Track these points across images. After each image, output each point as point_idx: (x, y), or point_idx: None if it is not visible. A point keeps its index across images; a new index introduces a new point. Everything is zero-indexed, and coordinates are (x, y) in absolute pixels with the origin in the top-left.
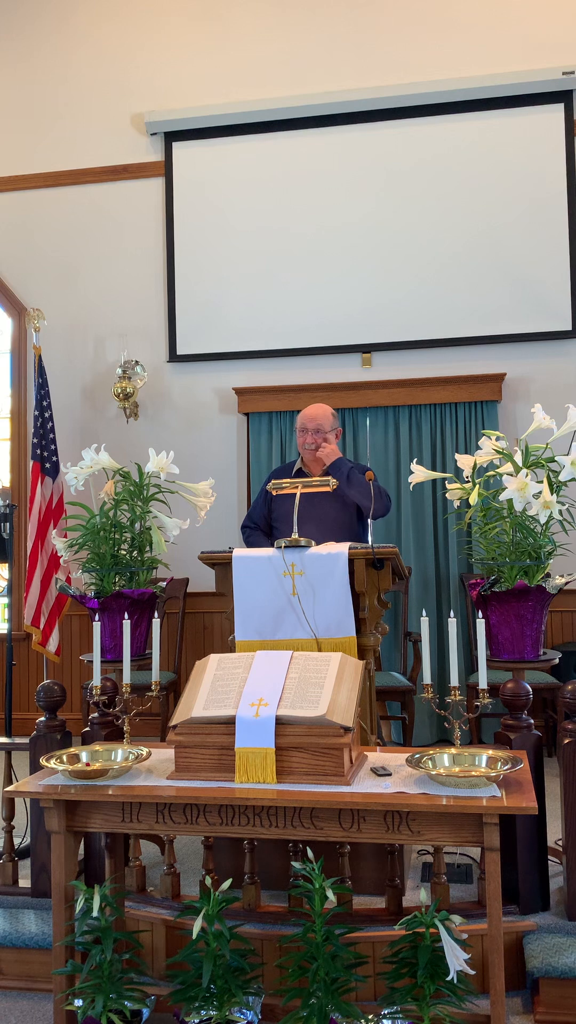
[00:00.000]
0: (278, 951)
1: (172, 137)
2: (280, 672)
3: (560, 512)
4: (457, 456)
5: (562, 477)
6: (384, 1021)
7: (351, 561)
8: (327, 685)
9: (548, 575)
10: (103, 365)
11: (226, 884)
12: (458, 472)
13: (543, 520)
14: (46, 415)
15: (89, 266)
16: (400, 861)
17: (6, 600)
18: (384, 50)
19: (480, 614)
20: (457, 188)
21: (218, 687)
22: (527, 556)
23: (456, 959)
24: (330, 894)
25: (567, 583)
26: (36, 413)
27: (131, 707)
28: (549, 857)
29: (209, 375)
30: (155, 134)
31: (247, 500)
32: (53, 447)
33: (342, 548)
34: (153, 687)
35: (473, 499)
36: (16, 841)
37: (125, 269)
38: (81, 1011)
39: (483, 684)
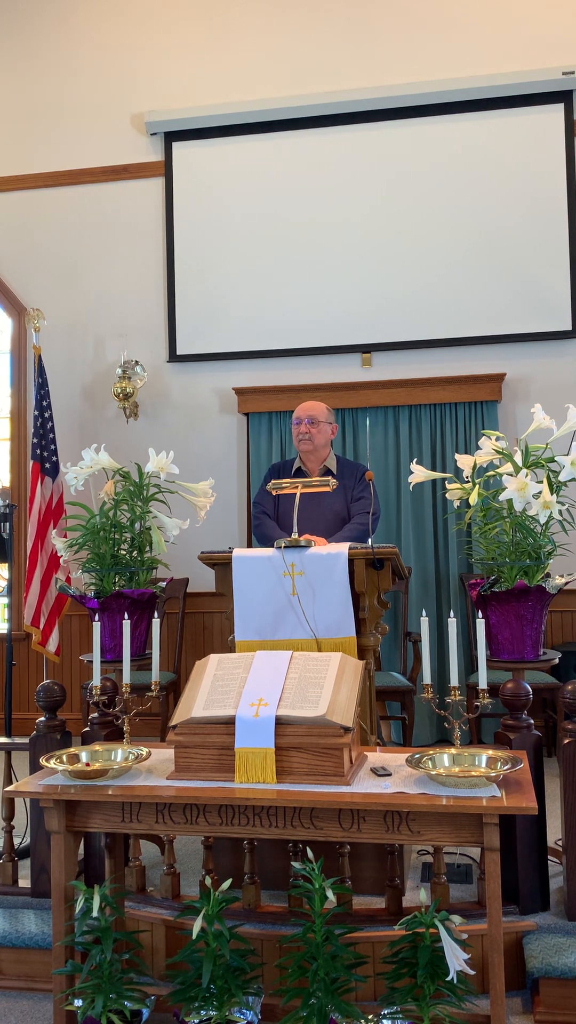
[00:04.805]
0: (278, 951)
1: (172, 137)
2: (280, 672)
3: (560, 512)
4: (457, 456)
5: (562, 477)
6: (384, 1021)
7: (351, 561)
8: (327, 685)
9: (548, 575)
10: (103, 365)
11: (226, 884)
12: (458, 472)
13: (543, 520)
14: (46, 415)
15: (89, 266)
16: (400, 861)
17: (6, 600)
18: (384, 50)
19: (480, 614)
20: (457, 188)
21: (218, 687)
22: (527, 556)
23: (456, 959)
24: (330, 894)
25: (567, 583)
26: (36, 413)
27: (131, 707)
28: (549, 857)
29: (209, 375)
30: (155, 134)
31: (247, 500)
32: (53, 447)
33: (342, 548)
34: (153, 687)
35: (473, 499)
36: (16, 841)
37: (125, 269)
38: (81, 1011)
39: (483, 684)
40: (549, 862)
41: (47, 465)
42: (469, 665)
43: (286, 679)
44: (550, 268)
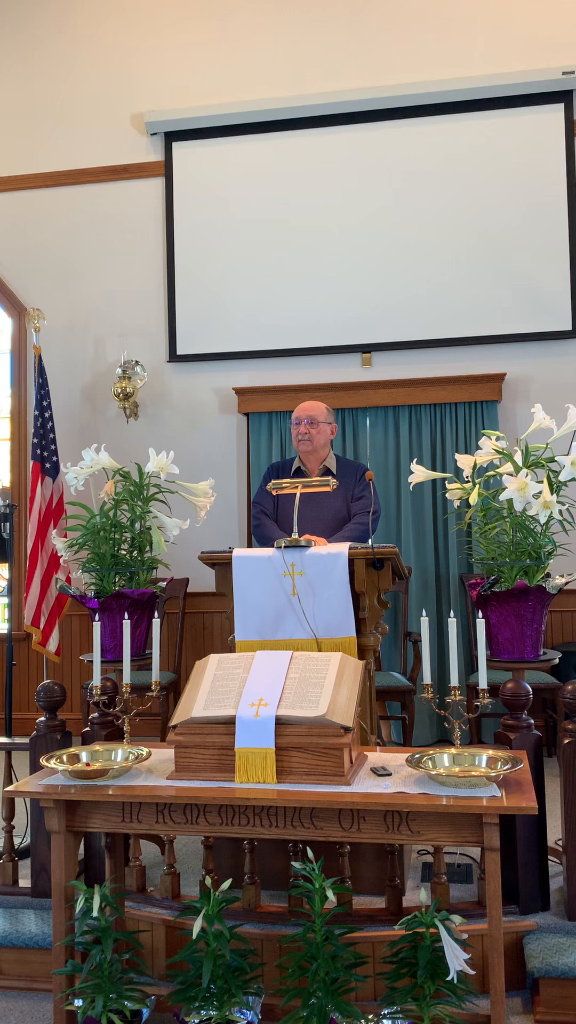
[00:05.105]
0: (278, 951)
1: (172, 137)
2: (280, 672)
3: (560, 512)
4: (457, 456)
5: (562, 477)
6: (384, 1021)
7: (351, 561)
8: (327, 685)
9: (548, 575)
10: (103, 365)
11: (226, 884)
12: (458, 472)
13: (543, 520)
14: (46, 415)
15: (89, 266)
16: (400, 861)
17: (6, 600)
18: (384, 50)
19: (480, 614)
20: (457, 188)
21: (218, 687)
22: (527, 556)
23: (456, 959)
24: (330, 894)
25: (567, 583)
26: (36, 413)
27: (131, 707)
28: (549, 857)
29: (209, 375)
30: (155, 134)
31: (247, 500)
32: (53, 447)
33: (342, 548)
34: (153, 687)
35: (473, 499)
36: (16, 841)
37: (125, 269)
38: (81, 1011)
39: (483, 684)
40: (549, 862)
41: (47, 465)
42: (469, 665)
43: (286, 679)
44: (550, 268)
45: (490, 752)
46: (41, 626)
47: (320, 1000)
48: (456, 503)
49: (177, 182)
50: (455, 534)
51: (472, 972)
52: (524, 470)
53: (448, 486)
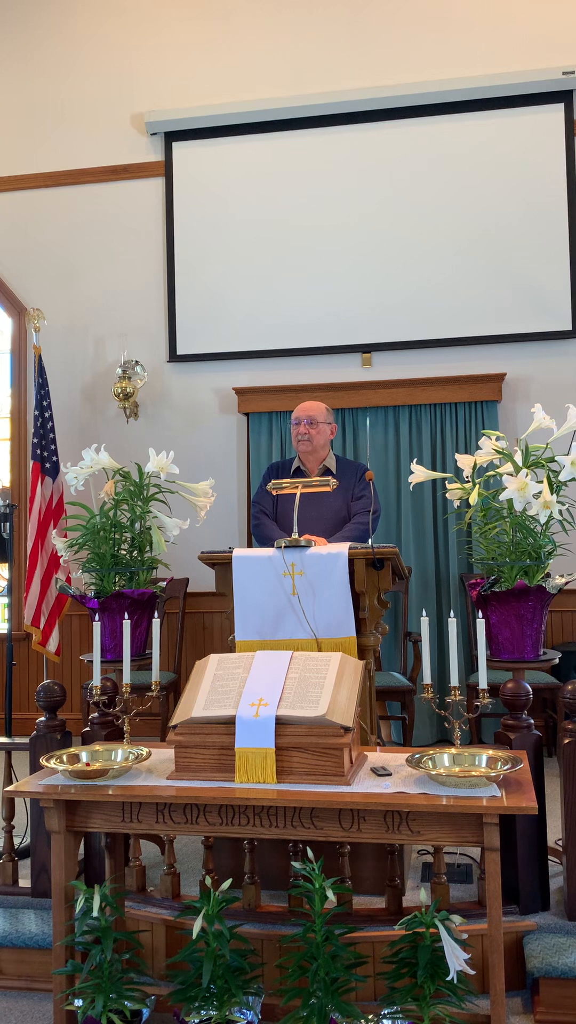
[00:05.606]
0: (278, 951)
1: (172, 137)
2: (280, 672)
3: (560, 512)
4: (457, 456)
5: (562, 477)
6: (384, 1021)
7: (351, 561)
8: (327, 685)
9: (548, 575)
10: (103, 365)
11: (226, 884)
12: (458, 472)
13: (543, 520)
14: (46, 415)
15: (89, 266)
16: (400, 861)
17: (6, 600)
18: (384, 50)
19: (480, 614)
20: (457, 187)
21: (218, 687)
22: (527, 556)
23: (456, 959)
24: (330, 894)
25: (567, 583)
26: (36, 413)
27: (131, 707)
28: (549, 857)
29: (209, 375)
30: (155, 134)
31: (247, 500)
32: (53, 447)
33: (342, 548)
34: (153, 687)
35: (473, 499)
36: (16, 841)
37: (125, 269)
38: (81, 1011)
39: (483, 684)
40: (549, 862)
41: (47, 465)
42: (469, 665)
43: (286, 679)
44: (550, 268)
45: (490, 752)
46: (41, 626)
47: (320, 1000)
48: (456, 503)
49: (177, 182)
50: (455, 534)
51: (472, 972)
52: (524, 470)
53: (448, 486)
